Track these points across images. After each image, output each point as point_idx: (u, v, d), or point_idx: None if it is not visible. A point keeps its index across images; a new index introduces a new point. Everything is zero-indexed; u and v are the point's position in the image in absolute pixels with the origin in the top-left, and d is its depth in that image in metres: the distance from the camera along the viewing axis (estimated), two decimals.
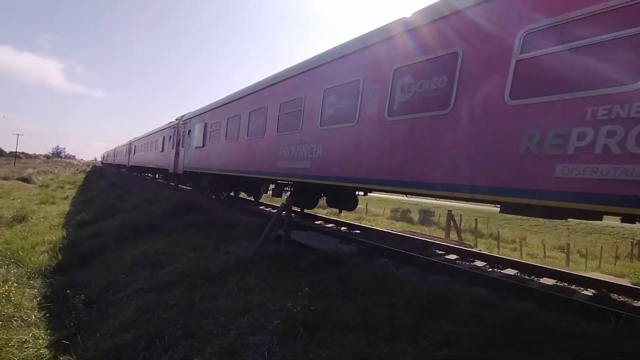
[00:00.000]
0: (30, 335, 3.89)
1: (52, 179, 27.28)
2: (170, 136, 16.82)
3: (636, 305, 3.77)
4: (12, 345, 3.65)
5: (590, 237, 24.07)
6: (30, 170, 30.20)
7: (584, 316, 2.94)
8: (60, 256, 6.60)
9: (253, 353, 2.75)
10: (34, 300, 4.90)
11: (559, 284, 4.48)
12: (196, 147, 12.82)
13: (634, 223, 3.46)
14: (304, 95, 6.78)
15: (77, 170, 46.01)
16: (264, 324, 3.02)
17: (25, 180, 24.54)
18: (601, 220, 3.52)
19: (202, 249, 5.46)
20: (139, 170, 28.86)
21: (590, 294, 4.09)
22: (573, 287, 4.36)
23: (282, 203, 5.53)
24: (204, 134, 12.15)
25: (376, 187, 5.24)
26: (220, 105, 11.21)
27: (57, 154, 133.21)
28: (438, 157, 4.23)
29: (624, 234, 23.72)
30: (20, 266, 6.04)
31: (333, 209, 9.84)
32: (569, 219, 3.77)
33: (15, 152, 72.20)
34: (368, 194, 7.63)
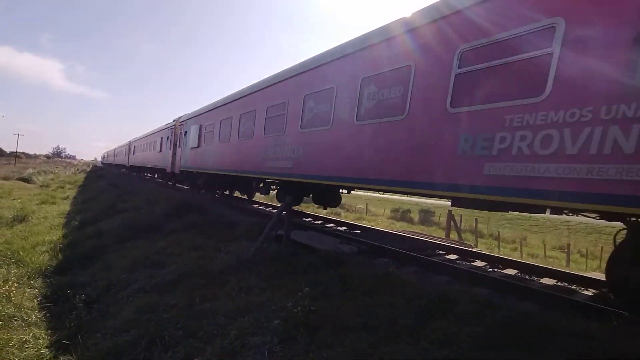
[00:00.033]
0: (31, 335, 3.89)
1: (52, 179, 27.28)
2: (168, 137, 17.29)
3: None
4: (12, 345, 3.65)
5: (590, 237, 24.04)
6: (31, 170, 30.20)
7: (584, 316, 2.93)
8: (60, 256, 6.59)
9: (253, 353, 2.75)
10: (35, 300, 4.90)
11: (559, 284, 4.48)
12: (192, 148, 13.31)
13: (561, 214, 4.11)
14: (287, 100, 7.28)
15: (78, 170, 46.03)
16: (265, 324, 3.02)
17: (26, 180, 24.53)
18: (544, 213, 4.17)
19: (203, 249, 5.47)
20: (138, 170, 29.39)
21: (591, 293, 4.10)
22: (573, 287, 4.36)
23: (283, 203, 5.53)
24: (199, 135, 12.64)
25: (347, 184, 5.76)
26: (214, 108, 11.70)
27: (57, 154, 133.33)
28: (397, 157, 4.76)
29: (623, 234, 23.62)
30: (20, 266, 6.04)
31: (332, 208, 9.96)
32: (569, 220, 3.95)
33: (16, 152, 72.27)
34: (351, 192, 8.08)
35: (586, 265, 15.36)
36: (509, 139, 3.51)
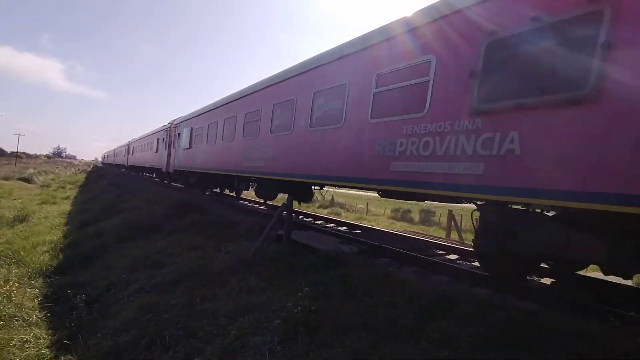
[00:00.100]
0: (32, 335, 3.89)
1: (53, 179, 27.26)
2: (164, 138, 18.35)
3: None
4: (13, 345, 3.65)
5: None
6: (31, 171, 30.20)
7: (584, 316, 2.93)
8: (61, 256, 6.59)
9: (254, 353, 2.75)
10: (35, 300, 4.90)
11: (559, 283, 4.47)
12: (184, 149, 14.54)
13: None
14: (261, 107, 8.39)
15: (78, 170, 46.01)
16: (265, 324, 3.02)
17: (26, 180, 24.52)
18: (423, 201, 5.46)
19: (203, 249, 5.47)
20: (137, 169, 30.14)
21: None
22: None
23: (283, 203, 5.55)
24: (190, 137, 13.84)
25: (305, 180, 6.72)
26: (203, 113, 12.92)
27: (58, 154, 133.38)
28: (337, 157, 5.77)
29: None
30: (21, 266, 6.04)
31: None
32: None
33: (16, 152, 72.33)
34: (322, 188, 9.08)
35: None
36: (405, 144, 4.58)
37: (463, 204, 5.64)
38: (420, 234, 9.59)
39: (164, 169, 18.04)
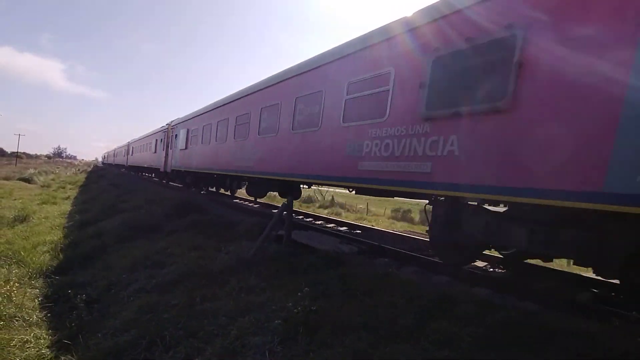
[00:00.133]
0: (32, 335, 3.89)
1: (53, 179, 27.25)
2: (162, 139, 18.95)
3: None
4: (13, 345, 3.65)
5: None
6: (32, 171, 30.19)
7: (584, 316, 2.93)
8: (61, 256, 6.60)
9: (254, 353, 2.75)
10: (36, 300, 4.91)
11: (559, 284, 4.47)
12: (181, 149, 15.17)
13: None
14: (250, 111, 8.97)
15: (79, 170, 46.01)
16: (265, 324, 3.02)
17: (27, 180, 24.51)
18: (392, 197, 6.21)
19: (203, 249, 5.47)
20: (136, 169, 30.64)
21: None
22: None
23: (283, 203, 5.55)
24: (186, 138, 14.45)
25: (289, 179, 7.25)
26: (198, 115, 13.56)
27: (58, 154, 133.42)
28: (315, 158, 6.32)
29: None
30: (21, 266, 6.04)
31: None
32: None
33: (17, 152, 72.29)
34: (311, 186, 9.92)
35: None
36: (370, 145, 5.09)
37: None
38: (420, 234, 9.59)
39: (162, 169, 18.56)
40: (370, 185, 5.12)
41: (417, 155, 4.39)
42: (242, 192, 14.83)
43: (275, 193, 10.99)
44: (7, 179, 24.13)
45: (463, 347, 2.35)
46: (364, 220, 14.37)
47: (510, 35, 3.46)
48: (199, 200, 11.25)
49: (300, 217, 10.29)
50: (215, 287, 4.06)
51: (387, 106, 4.86)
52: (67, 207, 13.29)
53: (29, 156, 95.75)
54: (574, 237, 3.34)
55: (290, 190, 9.42)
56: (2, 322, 4.07)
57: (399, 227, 13.53)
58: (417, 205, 29.11)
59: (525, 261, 4.97)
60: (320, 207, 18.64)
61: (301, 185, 9.24)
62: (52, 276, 5.67)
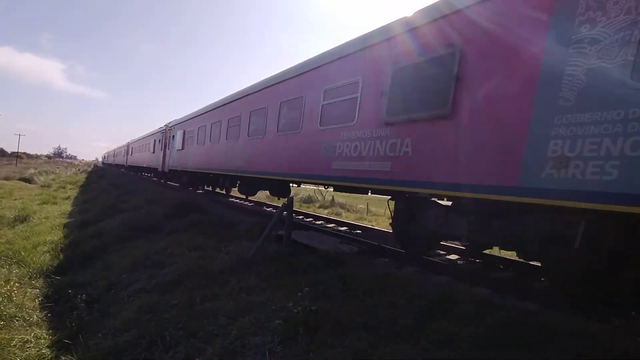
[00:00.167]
0: (32, 335, 3.89)
1: (53, 179, 27.25)
2: (160, 140, 19.54)
3: None
4: (14, 345, 3.65)
5: None
6: (32, 171, 30.18)
7: (584, 316, 2.93)
8: (61, 256, 6.60)
9: (254, 353, 2.75)
10: (36, 300, 4.90)
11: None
12: (177, 150, 15.75)
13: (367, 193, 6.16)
14: (240, 113, 9.56)
15: (79, 170, 46.02)
16: (265, 324, 3.02)
17: (27, 180, 24.51)
18: (368, 194, 6.13)
19: (203, 249, 5.47)
20: (136, 169, 31.14)
21: None
22: None
23: (283, 203, 5.55)
24: (183, 139, 15.05)
25: (276, 177, 7.70)
26: (193, 117, 14.16)
27: (58, 154, 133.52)
28: (297, 158, 6.85)
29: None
30: (22, 266, 6.04)
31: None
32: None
33: (17, 152, 72.29)
34: (300, 185, 9.74)
35: None
36: (342, 147, 5.64)
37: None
38: None
39: (160, 169, 19.22)
40: (341, 183, 5.70)
41: (379, 156, 4.92)
42: (236, 191, 15.08)
43: (269, 193, 11.35)
44: (7, 179, 24.13)
45: (463, 347, 2.35)
46: (364, 220, 14.36)
47: (451, 52, 4.05)
48: (199, 200, 11.27)
49: (301, 217, 10.29)
50: (215, 287, 4.06)
51: (356, 111, 5.40)
52: (67, 207, 13.29)
53: (29, 156, 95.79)
54: (501, 226, 3.90)
55: (280, 189, 9.82)
56: (2, 322, 4.07)
57: None
58: None
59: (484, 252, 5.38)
60: (320, 207, 18.64)
61: (290, 184, 9.59)
62: (53, 276, 5.67)
